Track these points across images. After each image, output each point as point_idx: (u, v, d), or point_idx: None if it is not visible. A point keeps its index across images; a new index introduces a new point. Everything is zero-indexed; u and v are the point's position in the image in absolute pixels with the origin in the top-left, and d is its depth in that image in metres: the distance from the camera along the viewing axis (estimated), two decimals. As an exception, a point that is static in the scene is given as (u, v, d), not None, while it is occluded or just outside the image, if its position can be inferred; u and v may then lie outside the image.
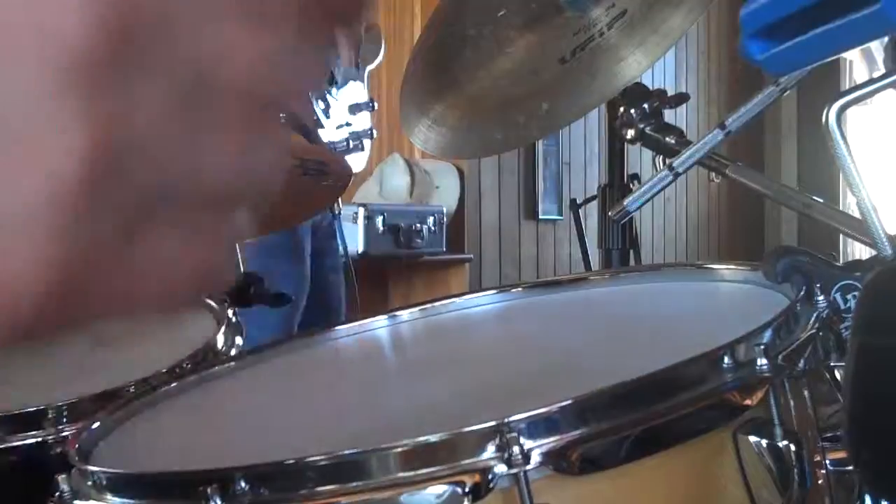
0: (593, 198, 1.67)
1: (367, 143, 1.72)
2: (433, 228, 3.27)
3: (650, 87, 1.24)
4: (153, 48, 0.23)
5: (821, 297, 0.74)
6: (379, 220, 3.09)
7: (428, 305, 1.03)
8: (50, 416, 0.90)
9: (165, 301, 0.26)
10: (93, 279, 0.24)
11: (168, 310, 0.26)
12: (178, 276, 0.25)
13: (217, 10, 0.24)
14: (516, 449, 0.54)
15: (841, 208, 1.12)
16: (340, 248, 1.91)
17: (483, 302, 1.03)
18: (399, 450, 0.55)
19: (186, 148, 0.24)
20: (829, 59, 0.68)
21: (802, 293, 0.73)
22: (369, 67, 1.63)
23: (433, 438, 0.55)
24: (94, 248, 0.23)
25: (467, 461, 0.55)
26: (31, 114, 0.22)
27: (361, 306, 1.96)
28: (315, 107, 1.55)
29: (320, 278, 1.80)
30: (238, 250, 1.32)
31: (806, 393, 0.67)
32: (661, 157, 1.16)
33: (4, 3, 0.22)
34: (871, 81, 0.86)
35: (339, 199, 1.71)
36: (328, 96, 1.56)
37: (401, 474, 0.55)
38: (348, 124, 1.60)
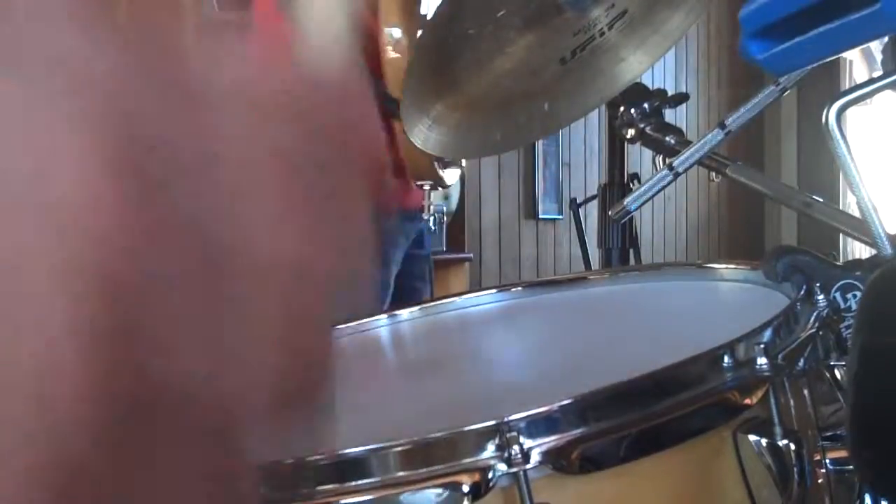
0: (593, 197, 1.67)
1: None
2: (433, 228, 3.27)
3: (650, 87, 1.24)
4: (177, 223, 0.22)
5: (821, 297, 0.74)
6: (379, 220, 3.08)
7: (428, 305, 1.03)
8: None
9: None
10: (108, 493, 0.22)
11: None
12: (194, 493, 0.23)
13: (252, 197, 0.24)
14: (516, 448, 0.54)
15: (841, 208, 1.12)
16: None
17: (483, 301, 1.03)
18: (399, 449, 0.55)
19: (209, 344, 0.22)
20: (829, 59, 0.68)
21: (802, 292, 0.74)
22: None
23: (433, 437, 0.55)
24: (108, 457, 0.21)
25: (467, 460, 0.55)
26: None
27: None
28: None
29: (407, 287, 1.79)
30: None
31: (806, 392, 0.67)
32: (661, 156, 1.16)
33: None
34: (871, 81, 0.86)
35: (427, 204, 1.72)
36: None
37: (401, 473, 0.55)
38: None
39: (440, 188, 1.70)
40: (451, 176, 1.69)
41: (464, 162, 1.73)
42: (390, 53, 1.50)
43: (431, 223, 1.79)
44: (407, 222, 1.78)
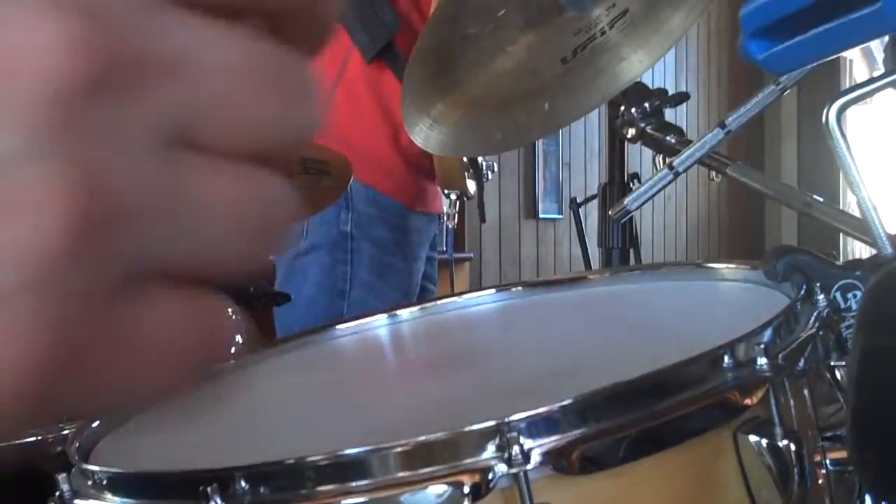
0: (593, 197, 1.67)
1: (490, 174, 1.78)
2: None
3: (650, 87, 1.24)
4: (132, 96, 0.22)
5: (821, 297, 0.74)
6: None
7: (428, 304, 1.03)
8: (50, 414, 0.90)
9: (166, 375, 0.24)
10: (84, 360, 0.22)
11: (169, 387, 0.25)
12: (177, 346, 0.24)
13: (205, 59, 0.23)
14: (516, 448, 0.54)
15: (841, 207, 1.12)
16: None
17: (483, 301, 1.03)
18: (399, 449, 0.55)
19: (171, 207, 0.22)
20: (829, 59, 0.68)
21: (802, 292, 0.73)
22: None
23: (433, 438, 0.55)
24: (83, 326, 0.21)
25: (467, 461, 0.55)
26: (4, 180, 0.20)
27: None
28: None
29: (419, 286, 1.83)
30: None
31: (806, 392, 0.67)
32: (662, 156, 1.16)
33: None
34: (871, 81, 0.86)
35: (453, 213, 1.77)
36: None
37: (401, 474, 0.55)
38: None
39: (466, 198, 1.74)
40: (472, 186, 1.73)
41: (490, 176, 1.76)
42: None
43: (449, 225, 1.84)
44: (431, 224, 1.82)
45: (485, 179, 1.75)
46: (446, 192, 1.74)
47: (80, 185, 0.20)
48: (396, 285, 1.71)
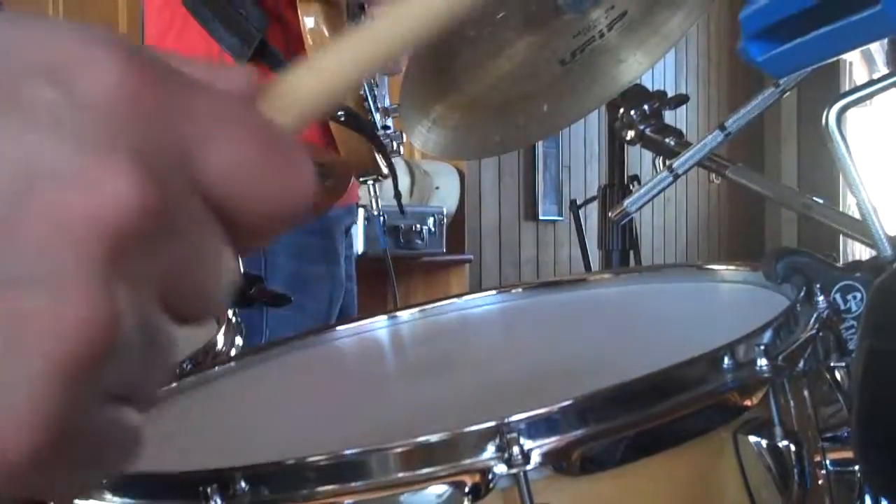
0: (593, 199, 1.68)
1: (401, 147, 1.74)
2: (433, 229, 3.27)
3: (650, 89, 1.24)
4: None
5: (821, 298, 0.74)
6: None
7: (428, 306, 1.03)
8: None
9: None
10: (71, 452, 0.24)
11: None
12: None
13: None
14: (516, 449, 0.54)
15: (841, 209, 1.13)
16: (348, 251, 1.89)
17: (483, 303, 1.03)
18: (399, 450, 0.55)
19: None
20: (829, 61, 0.68)
21: (802, 294, 0.73)
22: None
23: (433, 438, 0.55)
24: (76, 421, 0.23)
25: (467, 461, 0.55)
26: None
27: (361, 308, 1.95)
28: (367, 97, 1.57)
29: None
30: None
31: (806, 393, 0.67)
32: (661, 158, 1.16)
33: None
34: (871, 82, 0.87)
35: (376, 197, 1.72)
36: (369, 89, 1.57)
37: (401, 474, 0.55)
38: (385, 127, 1.61)
39: (381, 178, 1.69)
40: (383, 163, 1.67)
41: (395, 146, 1.71)
42: (308, 42, 1.48)
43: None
44: (348, 215, 1.79)
45: (392, 151, 1.69)
46: (362, 179, 1.69)
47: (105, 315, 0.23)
48: (319, 294, 1.67)
